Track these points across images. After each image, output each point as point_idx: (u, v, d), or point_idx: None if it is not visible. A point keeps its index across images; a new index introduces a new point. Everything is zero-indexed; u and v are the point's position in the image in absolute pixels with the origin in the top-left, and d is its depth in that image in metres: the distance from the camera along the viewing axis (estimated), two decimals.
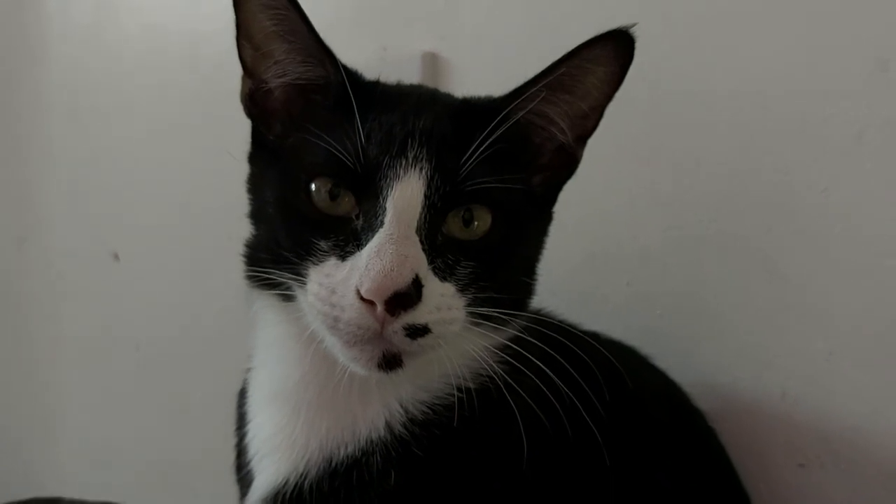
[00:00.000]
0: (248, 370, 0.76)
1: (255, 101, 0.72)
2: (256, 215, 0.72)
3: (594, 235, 1.00)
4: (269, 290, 0.68)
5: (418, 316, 0.60)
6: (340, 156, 0.63)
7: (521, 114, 0.67)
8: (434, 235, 0.63)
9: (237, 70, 0.72)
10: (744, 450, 0.87)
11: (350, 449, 0.66)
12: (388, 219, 0.61)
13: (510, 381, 0.65)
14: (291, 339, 0.69)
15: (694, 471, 0.80)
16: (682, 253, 0.94)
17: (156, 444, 1.64)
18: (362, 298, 0.58)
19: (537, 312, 0.78)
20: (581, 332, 0.80)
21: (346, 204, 0.64)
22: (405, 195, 0.61)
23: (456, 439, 0.66)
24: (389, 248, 0.59)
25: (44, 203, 1.86)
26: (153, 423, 1.64)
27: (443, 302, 0.61)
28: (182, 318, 1.55)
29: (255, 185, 0.73)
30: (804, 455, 0.85)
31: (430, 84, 1.11)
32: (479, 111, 0.68)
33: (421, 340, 0.61)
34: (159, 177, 1.58)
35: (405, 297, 0.58)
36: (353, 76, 0.69)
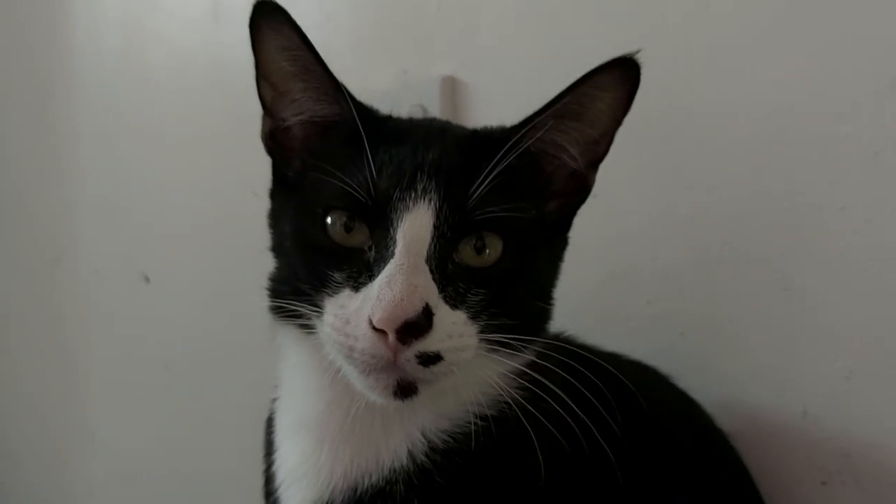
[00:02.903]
0: (275, 399, 0.78)
1: (274, 138, 0.74)
2: (277, 249, 0.74)
3: (614, 256, 1.01)
4: (291, 321, 0.70)
5: (430, 344, 0.61)
6: (352, 190, 0.64)
7: (529, 143, 0.68)
8: (445, 264, 0.64)
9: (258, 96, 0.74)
10: (765, 469, 0.87)
11: (374, 478, 0.68)
12: (398, 249, 0.62)
13: (529, 407, 0.66)
14: (314, 370, 0.70)
15: (716, 492, 0.81)
16: (700, 273, 0.94)
17: (184, 461, 1.66)
18: (374, 328, 0.60)
19: (557, 336, 0.79)
20: (601, 354, 0.81)
21: (360, 235, 0.65)
22: (414, 226, 0.63)
23: (477, 467, 0.67)
24: (399, 278, 0.60)
25: (77, 227, 1.90)
26: (182, 440, 1.66)
27: (454, 329, 0.63)
28: (210, 338, 1.57)
29: (276, 219, 0.75)
30: (826, 473, 0.85)
31: (449, 107, 1.13)
32: (487, 142, 0.69)
33: (434, 368, 0.62)
34: (187, 199, 1.61)
35: (415, 326, 0.60)
36: (365, 112, 0.71)
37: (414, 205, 0.64)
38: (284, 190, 0.74)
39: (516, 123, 0.70)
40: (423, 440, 0.68)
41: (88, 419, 1.91)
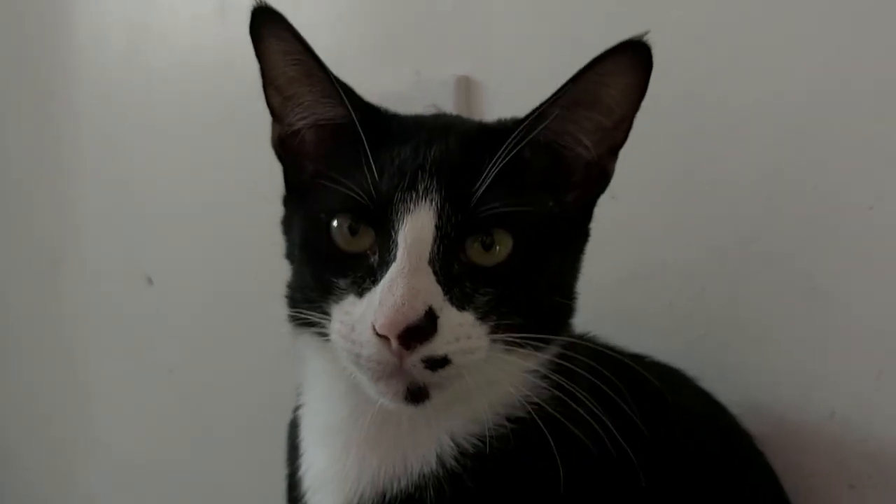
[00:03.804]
0: (298, 405, 0.77)
1: (284, 145, 0.73)
2: (290, 257, 0.73)
3: (635, 256, 1.00)
4: (308, 329, 0.69)
5: (435, 347, 0.60)
6: (354, 194, 0.63)
7: (536, 133, 0.65)
8: (450, 265, 0.63)
9: (263, 97, 0.73)
10: (793, 471, 0.86)
11: (403, 483, 0.67)
12: (399, 253, 0.61)
13: (556, 408, 0.65)
14: (335, 376, 0.69)
15: (743, 495, 0.80)
16: (725, 272, 0.93)
17: (190, 466, 1.65)
18: (378, 334, 0.59)
19: (581, 337, 0.78)
20: (626, 355, 0.80)
21: (366, 239, 0.64)
22: (416, 228, 0.62)
23: (508, 470, 0.66)
24: (400, 282, 0.59)
25: (78, 228, 1.88)
26: (188, 445, 1.65)
27: (461, 331, 0.61)
28: (215, 342, 1.55)
29: (288, 226, 0.74)
30: (855, 475, 0.84)
31: (464, 107, 1.12)
32: (492, 135, 0.67)
33: (442, 372, 0.61)
34: (191, 201, 1.60)
35: (418, 330, 0.59)
36: (370, 112, 0.70)
37: (415, 206, 0.62)
38: (295, 197, 0.74)
39: (523, 116, 0.68)
40: (452, 444, 0.67)
41: (92, 423, 1.89)
